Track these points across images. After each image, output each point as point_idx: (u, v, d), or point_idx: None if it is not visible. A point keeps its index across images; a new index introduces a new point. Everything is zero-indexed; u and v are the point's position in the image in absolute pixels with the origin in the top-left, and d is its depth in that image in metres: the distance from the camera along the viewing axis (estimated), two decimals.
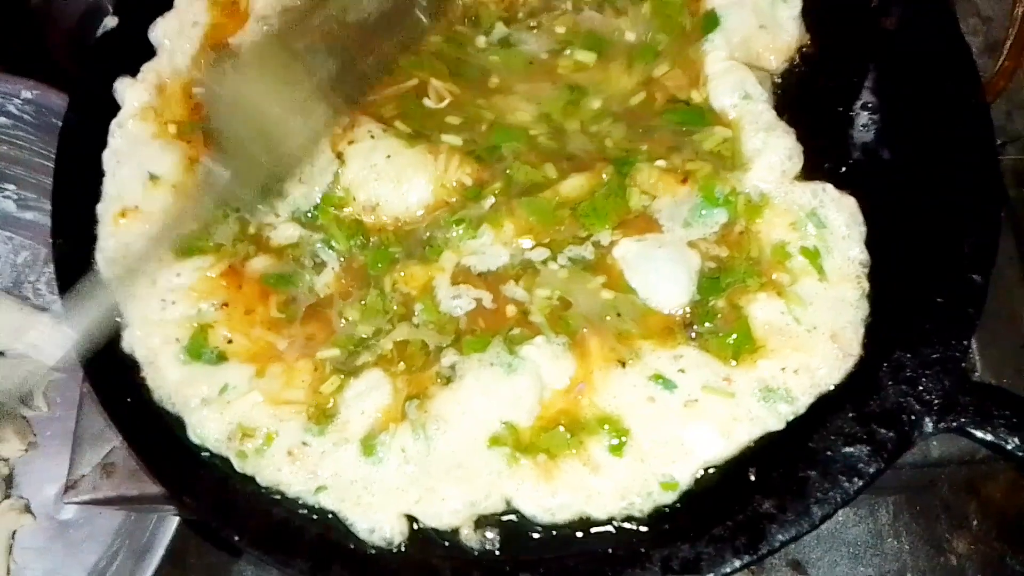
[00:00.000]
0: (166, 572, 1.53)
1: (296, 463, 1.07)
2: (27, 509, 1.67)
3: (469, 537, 1.04)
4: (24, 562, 1.64)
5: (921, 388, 1.01)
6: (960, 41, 1.18)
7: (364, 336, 1.13)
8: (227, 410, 1.09)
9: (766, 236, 1.11)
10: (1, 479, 1.67)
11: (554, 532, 1.04)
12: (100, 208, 1.23)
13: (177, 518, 1.52)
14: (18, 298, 1.80)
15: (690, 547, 0.98)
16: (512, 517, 1.05)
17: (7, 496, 1.67)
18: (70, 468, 1.30)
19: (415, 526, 1.04)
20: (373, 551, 1.03)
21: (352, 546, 1.03)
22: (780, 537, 0.96)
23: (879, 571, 1.66)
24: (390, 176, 1.18)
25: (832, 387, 1.05)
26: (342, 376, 1.10)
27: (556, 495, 1.03)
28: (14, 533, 1.65)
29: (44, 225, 1.81)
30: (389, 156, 1.18)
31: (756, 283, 1.09)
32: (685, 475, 1.03)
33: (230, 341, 1.13)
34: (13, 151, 1.74)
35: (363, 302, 1.14)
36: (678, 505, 1.03)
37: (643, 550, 0.99)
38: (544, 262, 1.13)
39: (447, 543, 1.04)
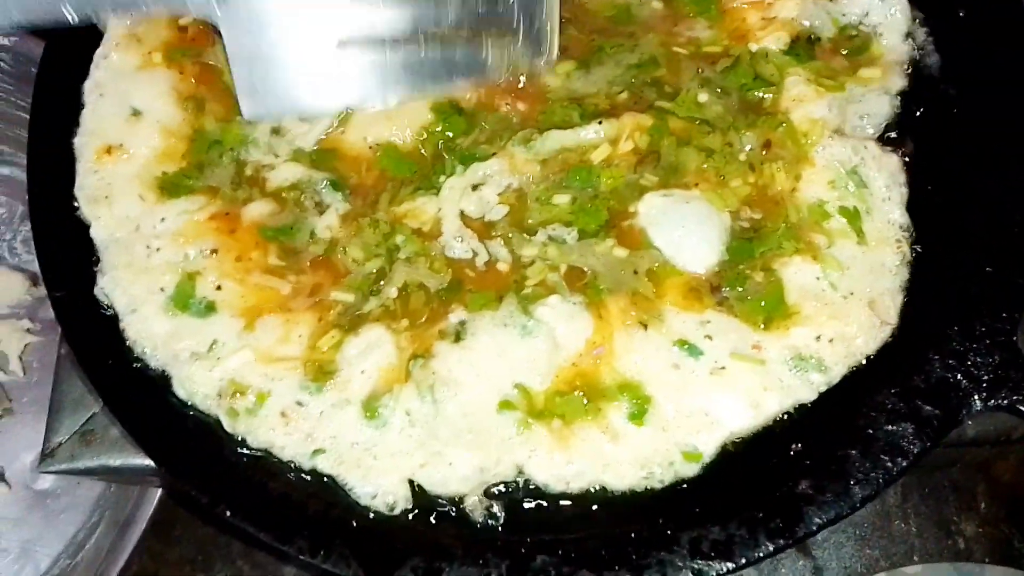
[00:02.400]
0: (149, 544, 1.46)
1: (290, 424, 1.01)
2: (1, 477, 1.59)
3: (475, 507, 0.98)
4: None
5: (969, 363, 0.96)
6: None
7: (371, 273, 1.07)
8: (217, 367, 1.03)
9: (803, 194, 1.06)
10: None
11: (569, 504, 0.99)
12: (78, 142, 1.15)
13: (161, 488, 1.45)
14: None
15: (720, 529, 0.92)
16: (523, 488, 1.00)
17: None
18: (46, 435, 1.21)
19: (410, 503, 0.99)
20: (373, 515, 0.98)
21: (355, 523, 0.97)
22: (818, 519, 0.91)
23: (886, 553, 1.62)
24: None
25: (867, 357, 1.01)
26: (342, 331, 1.04)
27: (571, 463, 0.98)
28: None
29: (21, 181, 1.74)
30: None
31: (792, 246, 1.04)
32: (710, 446, 0.98)
33: (219, 288, 1.06)
34: None
35: (372, 228, 1.09)
36: (706, 483, 0.97)
37: (669, 531, 0.92)
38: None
39: (453, 513, 0.98)
